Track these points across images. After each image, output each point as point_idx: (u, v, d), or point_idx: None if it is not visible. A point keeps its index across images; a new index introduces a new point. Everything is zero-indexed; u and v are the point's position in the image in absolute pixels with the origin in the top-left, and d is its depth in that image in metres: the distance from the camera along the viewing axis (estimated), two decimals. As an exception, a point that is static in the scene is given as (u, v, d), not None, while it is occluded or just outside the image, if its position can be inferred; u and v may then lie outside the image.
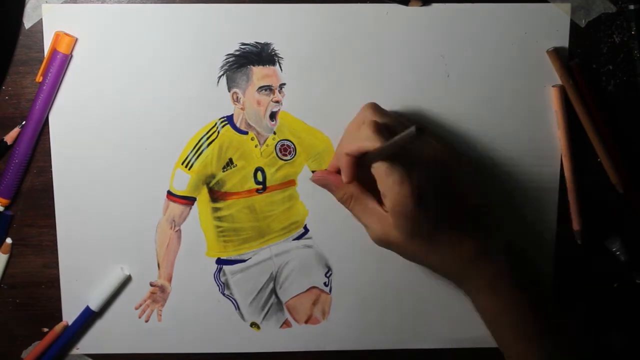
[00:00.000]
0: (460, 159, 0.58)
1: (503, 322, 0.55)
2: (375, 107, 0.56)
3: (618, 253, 0.62)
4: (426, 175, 0.52)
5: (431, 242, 0.53)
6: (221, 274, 0.62)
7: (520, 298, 0.54)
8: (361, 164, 0.54)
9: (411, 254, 0.55)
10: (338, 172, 0.58)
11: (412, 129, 0.45)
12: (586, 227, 0.62)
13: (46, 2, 0.58)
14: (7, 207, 0.60)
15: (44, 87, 0.57)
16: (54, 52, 0.57)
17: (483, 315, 0.56)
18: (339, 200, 0.57)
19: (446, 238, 0.53)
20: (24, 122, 0.59)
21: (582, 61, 0.59)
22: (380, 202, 0.54)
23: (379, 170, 0.52)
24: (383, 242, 0.55)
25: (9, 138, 0.59)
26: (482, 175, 0.61)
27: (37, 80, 0.58)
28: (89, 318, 0.62)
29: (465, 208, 0.55)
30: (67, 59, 0.58)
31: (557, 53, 0.59)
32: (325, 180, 0.58)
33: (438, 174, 0.54)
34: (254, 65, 0.59)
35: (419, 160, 0.53)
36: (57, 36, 0.57)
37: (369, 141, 0.52)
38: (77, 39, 0.58)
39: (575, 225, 0.61)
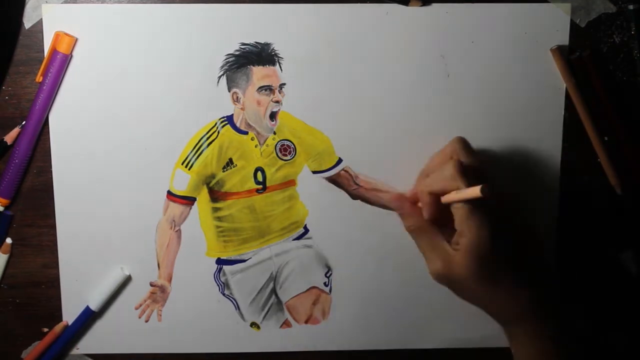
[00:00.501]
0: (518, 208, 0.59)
1: None
2: (464, 144, 0.56)
3: (623, 337, 0.63)
4: (499, 222, 0.53)
5: (493, 284, 0.54)
6: (221, 274, 0.62)
7: (560, 340, 0.55)
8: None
9: (470, 294, 0.55)
10: (416, 202, 0.58)
11: (478, 189, 0.49)
12: (585, 231, 0.62)
13: (46, 2, 0.58)
14: (7, 207, 0.60)
15: (44, 87, 0.57)
16: (54, 52, 0.57)
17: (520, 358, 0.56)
18: (406, 229, 0.58)
19: (506, 284, 0.54)
20: (23, 122, 0.59)
21: (583, 57, 0.60)
22: (445, 238, 0.55)
23: (460, 211, 0.53)
24: (443, 278, 0.55)
25: (9, 138, 0.59)
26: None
27: (37, 80, 0.58)
28: (89, 318, 0.62)
29: (525, 256, 0.55)
30: (67, 59, 0.58)
31: (560, 51, 0.59)
32: (401, 205, 0.59)
33: (508, 221, 0.55)
34: (254, 65, 0.59)
35: (493, 206, 0.53)
36: (57, 36, 0.57)
37: (454, 182, 0.53)
38: (77, 39, 0.58)
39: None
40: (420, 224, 0.57)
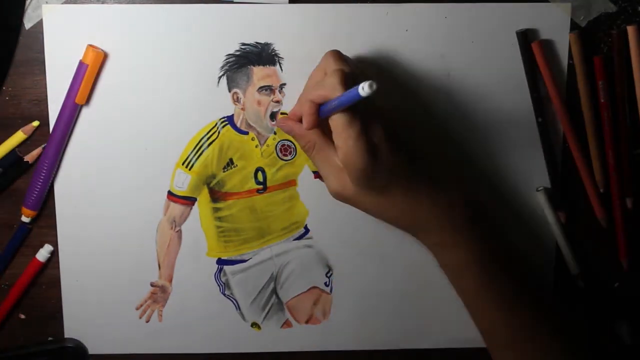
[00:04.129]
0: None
1: (465, 276, 0.55)
2: (339, 56, 0.55)
3: (624, 337, 0.64)
4: (382, 129, 0.52)
5: (386, 195, 0.53)
6: (222, 274, 0.62)
7: (482, 250, 0.54)
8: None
9: (367, 208, 0.55)
10: (300, 120, 0.56)
11: (366, 84, 0.45)
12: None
13: (46, 2, 0.58)
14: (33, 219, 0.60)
15: (66, 110, 0.58)
16: (80, 64, 0.57)
17: (446, 271, 0.56)
18: (302, 149, 0.57)
19: (401, 192, 0.53)
20: (44, 145, 0.59)
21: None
22: None
23: (336, 122, 0.51)
24: (339, 195, 0.55)
25: (30, 157, 0.59)
26: (483, 175, 0.61)
27: (77, 101, 0.58)
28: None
29: (422, 164, 0.55)
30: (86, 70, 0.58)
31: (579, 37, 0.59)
32: (288, 126, 0.57)
33: (394, 129, 0.54)
34: (254, 66, 0.59)
35: (375, 113, 0.53)
36: (88, 50, 0.57)
37: (335, 90, 0.51)
38: (106, 54, 0.58)
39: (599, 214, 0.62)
40: (313, 142, 0.55)
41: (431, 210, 0.54)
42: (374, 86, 0.45)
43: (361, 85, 0.46)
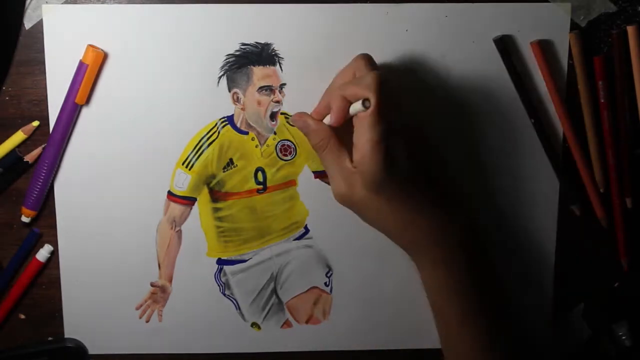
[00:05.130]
0: (426, 136, 0.59)
1: (447, 300, 0.55)
2: (371, 60, 0.55)
3: (624, 337, 0.64)
4: (404, 142, 0.53)
5: (392, 205, 0.53)
6: (222, 274, 0.62)
7: (468, 278, 0.55)
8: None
9: (370, 215, 0.55)
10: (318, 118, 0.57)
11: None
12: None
13: (46, 2, 0.58)
14: (34, 219, 0.60)
15: (66, 109, 0.58)
16: (80, 64, 0.57)
17: (428, 290, 0.56)
18: (313, 146, 0.56)
19: (408, 207, 0.54)
20: (44, 145, 0.59)
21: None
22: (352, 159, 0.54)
23: (362, 122, 0.51)
24: (344, 198, 0.54)
25: (31, 157, 0.59)
26: (483, 174, 0.61)
27: (77, 101, 0.58)
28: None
29: (430, 182, 0.55)
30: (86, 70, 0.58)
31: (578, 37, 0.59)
32: (303, 121, 0.57)
33: (413, 143, 0.54)
34: (254, 66, 0.59)
35: (399, 122, 0.53)
36: (88, 50, 0.57)
37: (370, 91, 0.51)
38: (106, 54, 0.58)
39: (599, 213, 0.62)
40: (327, 141, 0.55)
41: (430, 225, 0.54)
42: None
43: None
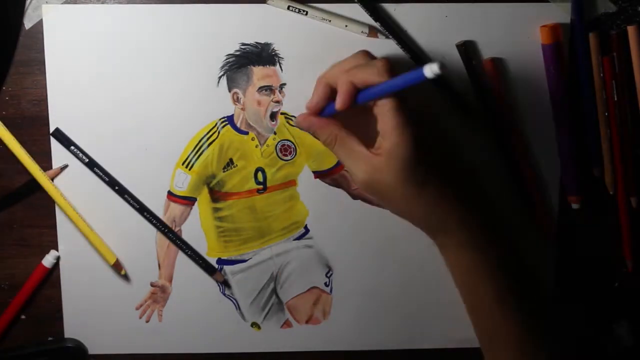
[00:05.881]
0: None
1: (474, 280, 0.55)
2: (371, 54, 0.55)
3: (624, 338, 0.64)
4: (426, 126, 0.53)
5: (420, 190, 0.53)
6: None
7: (496, 254, 0.55)
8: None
9: (396, 201, 0.54)
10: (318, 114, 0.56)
11: (435, 65, 0.44)
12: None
13: (46, 2, 0.58)
14: None
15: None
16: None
17: (454, 272, 0.56)
18: (323, 143, 0.55)
19: (433, 190, 0.53)
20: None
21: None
22: (365, 145, 0.53)
23: (386, 107, 0.51)
24: (369, 185, 0.53)
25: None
26: (482, 174, 0.61)
27: None
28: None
29: (454, 166, 0.55)
30: None
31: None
32: (308, 122, 0.56)
33: (435, 127, 0.54)
34: (254, 66, 0.59)
35: (421, 110, 0.53)
36: None
37: (380, 76, 0.51)
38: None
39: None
40: (335, 134, 0.54)
41: (456, 210, 0.54)
42: (445, 67, 0.44)
43: (429, 65, 0.44)
